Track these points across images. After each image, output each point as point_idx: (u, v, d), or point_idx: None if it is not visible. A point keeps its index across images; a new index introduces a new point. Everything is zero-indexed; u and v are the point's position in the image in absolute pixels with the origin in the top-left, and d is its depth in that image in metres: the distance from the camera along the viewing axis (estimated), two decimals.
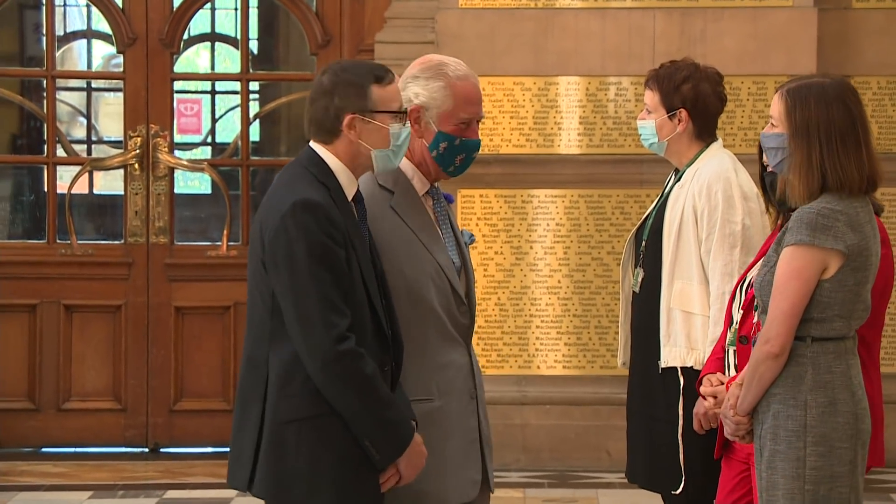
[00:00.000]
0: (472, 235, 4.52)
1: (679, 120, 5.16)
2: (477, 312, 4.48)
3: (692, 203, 5.10)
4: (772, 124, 4.35)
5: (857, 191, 4.27)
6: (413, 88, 4.26)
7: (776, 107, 4.33)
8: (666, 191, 5.27)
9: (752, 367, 4.31)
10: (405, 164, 4.27)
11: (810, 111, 4.26)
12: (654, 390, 5.17)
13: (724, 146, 5.35)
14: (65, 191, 8.99)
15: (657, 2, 8.13)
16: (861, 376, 4.34)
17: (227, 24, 15.32)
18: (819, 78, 4.35)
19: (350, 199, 4.08)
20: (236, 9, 11.44)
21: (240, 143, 9.00)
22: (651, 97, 5.21)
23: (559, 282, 8.15)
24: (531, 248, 8.18)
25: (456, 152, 4.29)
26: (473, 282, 4.40)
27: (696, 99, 5.16)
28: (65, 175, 9.60)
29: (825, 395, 4.26)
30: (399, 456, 4.00)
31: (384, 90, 4.07)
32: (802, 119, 4.27)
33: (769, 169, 4.47)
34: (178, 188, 9.25)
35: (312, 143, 4.12)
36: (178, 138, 11.73)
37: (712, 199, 5.07)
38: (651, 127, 5.19)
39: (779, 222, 4.54)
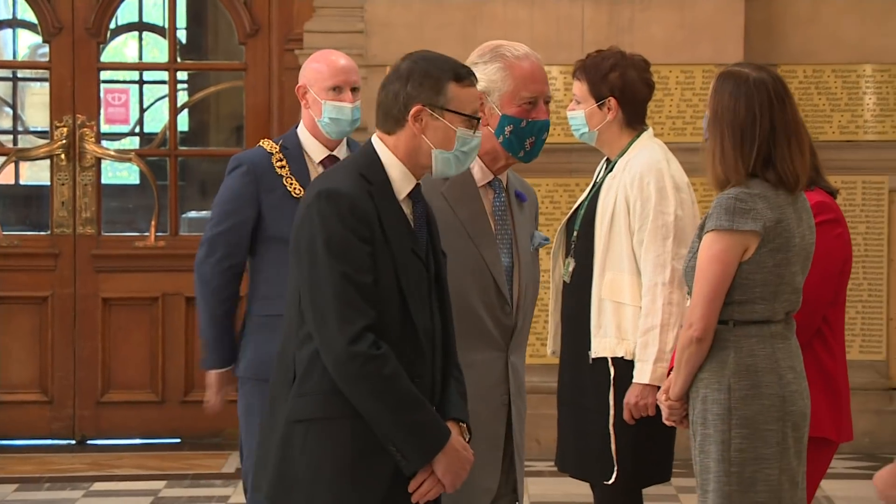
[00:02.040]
0: (546, 238, 4.32)
1: (608, 108, 5.14)
2: None
3: (624, 194, 5.09)
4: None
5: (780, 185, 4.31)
6: None
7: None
8: (597, 180, 5.25)
9: (679, 351, 4.36)
10: None
11: (723, 100, 4.31)
12: (585, 380, 5.15)
13: (653, 135, 5.32)
14: None
15: None
16: (794, 360, 4.37)
17: (154, 13, 15.19)
18: (748, 69, 4.37)
19: (403, 196, 3.80)
20: None
21: (168, 133, 8.90)
22: (579, 87, 5.18)
23: None
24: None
25: (524, 135, 4.10)
26: (532, 285, 4.19)
27: (624, 87, 5.15)
28: None
29: (748, 378, 4.28)
30: (428, 461, 3.70)
31: (462, 90, 3.79)
32: (716, 107, 4.35)
33: None
34: (107, 179, 9.16)
35: (374, 135, 3.86)
36: (105, 128, 11.62)
37: (644, 191, 5.05)
38: (581, 117, 5.16)
39: None
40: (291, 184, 5.03)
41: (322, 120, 5.02)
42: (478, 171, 4.12)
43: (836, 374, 4.76)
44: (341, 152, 5.10)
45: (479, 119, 3.84)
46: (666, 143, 5.35)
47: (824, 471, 4.85)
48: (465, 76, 3.81)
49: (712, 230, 4.28)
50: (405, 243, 3.76)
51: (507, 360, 4.10)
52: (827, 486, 7.25)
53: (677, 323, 4.95)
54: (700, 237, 4.34)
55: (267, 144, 5.11)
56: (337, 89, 5.01)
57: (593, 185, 5.27)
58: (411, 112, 3.77)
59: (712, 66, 7.85)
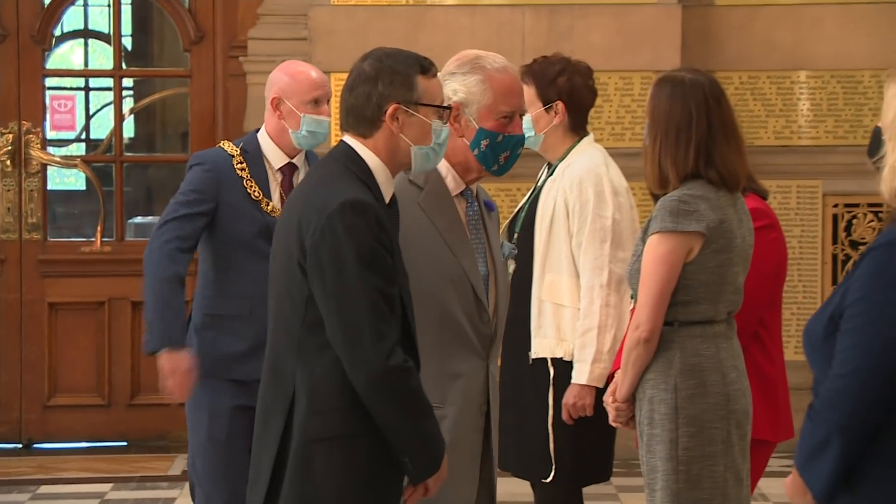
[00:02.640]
0: (514, 249, 4.27)
1: (555, 112, 5.16)
2: None
3: (563, 198, 5.10)
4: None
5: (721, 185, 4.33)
6: (451, 85, 3.98)
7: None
8: (538, 185, 5.26)
9: (626, 353, 4.37)
10: (440, 162, 3.95)
11: (660, 103, 4.36)
12: (525, 381, 5.16)
13: (593, 141, 5.34)
14: None
15: None
16: (737, 359, 4.40)
17: (100, 20, 15.12)
18: (685, 73, 4.43)
19: (388, 200, 3.72)
20: (109, 5, 11.25)
21: (114, 139, 8.85)
22: (527, 91, 5.18)
23: None
24: None
25: (499, 150, 4.00)
26: (507, 293, 4.14)
27: (571, 91, 5.17)
28: None
29: (694, 377, 4.30)
30: (436, 470, 3.66)
31: (429, 82, 3.70)
32: (653, 111, 4.41)
33: None
34: (53, 184, 9.11)
35: (347, 138, 3.72)
36: (51, 135, 11.53)
37: (583, 195, 5.07)
38: (528, 121, 5.16)
39: None
40: (251, 186, 5.00)
41: (299, 132, 4.99)
42: (451, 180, 4.04)
43: (772, 376, 4.79)
44: (300, 160, 5.09)
45: (449, 108, 3.77)
46: (605, 148, 5.37)
47: (762, 470, 4.88)
48: (429, 67, 3.72)
49: (657, 232, 4.29)
50: (398, 251, 3.68)
51: (488, 368, 4.04)
52: (763, 485, 7.26)
53: (615, 324, 4.97)
54: (644, 240, 4.35)
55: (227, 146, 5.09)
56: (316, 102, 5.00)
57: (534, 190, 5.28)
58: (387, 112, 3.66)
59: (650, 73, 7.85)
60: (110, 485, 7.58)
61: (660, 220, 4.29)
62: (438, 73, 3.85)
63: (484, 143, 3.97)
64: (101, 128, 14.56)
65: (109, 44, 11.97)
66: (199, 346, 5.01)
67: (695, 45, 8.16)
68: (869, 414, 2.98)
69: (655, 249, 4.29)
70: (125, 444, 8.39)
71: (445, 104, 3.75)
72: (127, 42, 14.13)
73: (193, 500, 5.16)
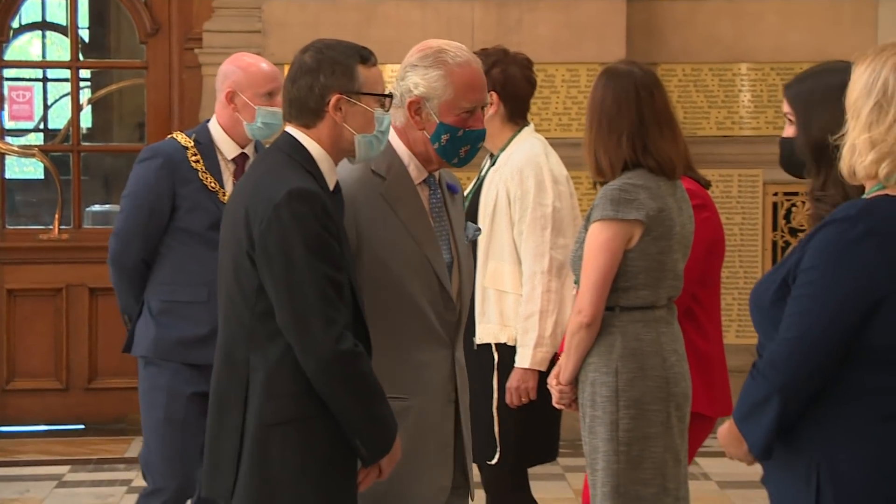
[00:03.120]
0: (479, 229, 4.20)
1: (490, 103, 5.18)
2: None
3: (505, 187, 5.13)
4: None
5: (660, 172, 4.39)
6: (412, 78, 3.87)
7: None
8: (482, 174, 5.29)
9: (569, 337, 4.40)
10: (402, 151, 3.92)
11: (596, 95, 4.45)
12: (471, 365, 5.18)
13: (541, 131, 5.39)
14: None
15: None
16: (677, 343, 4.43)
17: (58, 13, 15.05)
18: (623, 65, 4.49)
19: (331, 189, 3.70)
20: None
21: (71, 129, 8.84)
22: None
23: None
24: None
25: (460, 144, 3.90)
26: (471, 278, 4.07)
27: (505, 82, 5.18)
28: None
29: (635, 361, 4.33)
30: (388, 452, 3.66)
31: (369, 71, 3.68)
32: (590, 102, 4.46)
33: None
34: (12, 173, 9.09)
35: (290, 128, 3.70)
36: (9, 125, 11.48)
37: (524, 183, 5.09)
38: None
39: None
40: (207, 178, 5.01)
41: (254, 124, 5.01)
42: (414, 169, 3.94)
43: (707, 352, 4.81)
44: (251, 150, 5.10)
45: (391, 96, 3.75)
46: (552, 138, 5.41)
47: (699, 444, 4.90)
48: (368, 57, 3.69)
49: (598, 220, 4.32)
50: (345, 238, 3.67)
51: (454, 356, 3.98)
52: (703, 463, 7.36)
53: (556, 309, 5.00)
54: (587, 228, 4.38)
55: (181, 138, 5.09)
56: (270, 94, 5.00)
57: (478, 179, 5.31)
58: (330, 102, 3.65)
59: (596, 65, 7.90)
60: (68, 467, 7.58)
61: (601, 208, 4.33)
62: (404, 63, 3.87)
63: (444, 137, 3.89)
64: (59, 118, 14.52)
65: (67, 36, 11.92)
66: (157, 330, 5.02)
67: (639, 39, 8.22)
68: (810, 378, 3.02)
69: (597, 237, 4.33)
70: (83, 427, 8.38)
71: (387, 92, 3.74)
72: (84, 34, 14.09)
73: (145, 480, 5.16)
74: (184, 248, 5.01)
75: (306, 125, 3.69)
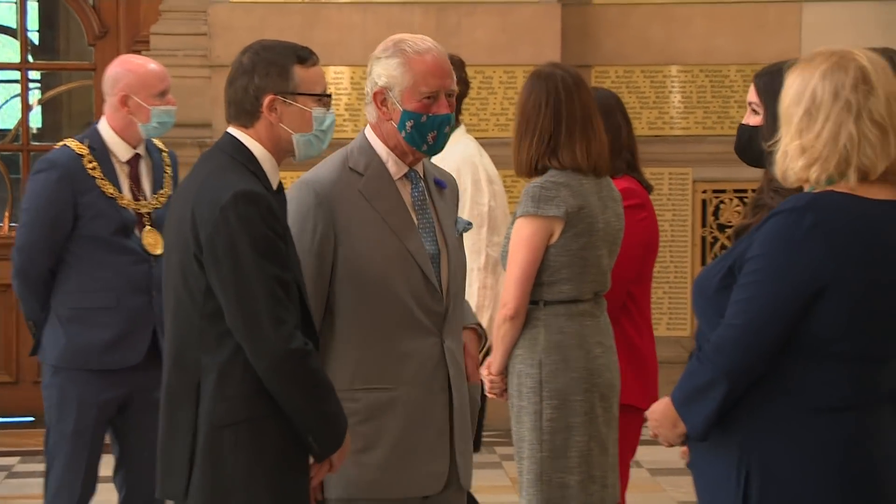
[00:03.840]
0: (469, 223, 4.14)
1: None
2: None
3: None
4: None
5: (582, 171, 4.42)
6: (376, 70, 3.84)
7: None
8: None
9: (496, 330, 4.45)
10: (380, 147, 3.87)
11: (521, 96, 4.51)
12: None
13: (479, 131, 5.43)
14: None
15: None
16: (603, 335, 4.48)
17: (8, 16, 14.97)
18: (548, 67, 4.52)
19: (275, 188, 3.62)
20: (16, 1, 11.16)
21: (21, 129, 8.82)
22: None
23: None
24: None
25: (426, 130, 3.84)
26: (459, 270, 3.98)
27: None
28: None
29: (558, 353, 4.38)
30: (339, 447, 3.61)
31: (307, 71, 3.61)
32: (517, 103, 4.52)
33: None
34: None
35: (232, 129, 3.64)
36: None
37: (461, 183, 5.12)
38: None
39: None
40: (104, 185, 4.90)
41: (149, 125, 4.92)
42: (392, 164, 3.88)
43: (642, 347, 4.88)
44: (142, 149, 5.01)
45: (329, 96, 3.69)
46: (490, 137, 5.46)
47: (637, 436, 4.96)
48: (307, 57, 3.63)
49: (521, 216, 4.38)
50: (290, 238, 3.63)
51: (443, 345, 3.88)
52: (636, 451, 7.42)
53: (492, 304, 5.03)
54: (512, 224, 4.45)
55: (74, 145, 4.95)
56: (162, 94, 4.94)
57: None
58: (265, 103, 3.58)
59: (532, 67, 7.86)
60: (18, 458, 7.57)
61: (523, 205, 4.38)
62: (372, 58, 3.84)
63: (409, 124, 3.82)
64: (9, 118, 14.43)
65: (16, 38, 11.87)
66: (66, 339, 4.91)
67: (573, 42, 8.27)
68: (755, 363, 3.05)
69: (519, 232, 4.37)
70: (32, 419, 8.36)
71: (327, 92, 3.68)
72: (34, 36, 14.01)
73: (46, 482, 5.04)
74: (90, 255, 4.89)
75: (244, 125, 3.63)
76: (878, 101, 3.03)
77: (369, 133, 3.89)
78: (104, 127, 4.99)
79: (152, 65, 5.01)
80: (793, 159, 3.08)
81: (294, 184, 3.85)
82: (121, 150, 4.98)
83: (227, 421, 3.52)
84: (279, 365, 3.47)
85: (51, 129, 14.15)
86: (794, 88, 3.10)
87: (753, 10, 8.40)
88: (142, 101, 4.92)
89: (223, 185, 3.50)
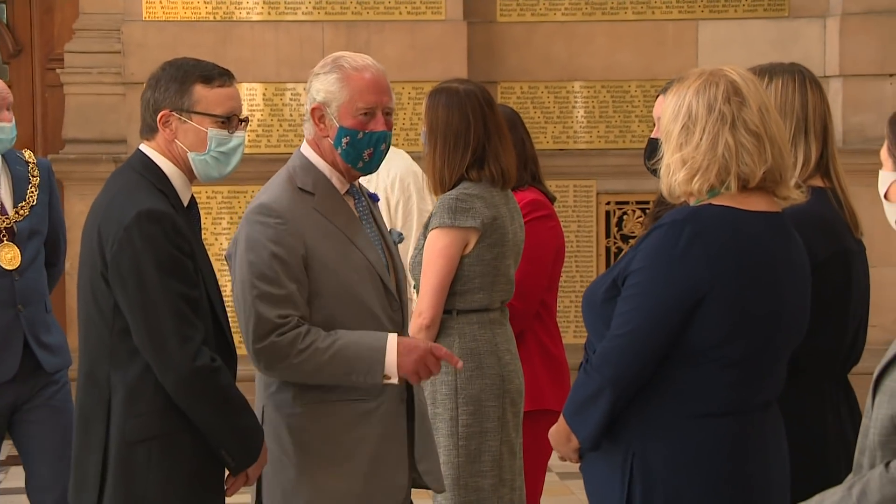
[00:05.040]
0: (402, 234, 4.10)
1: None
2: None
3: (385, 195, 5.17)
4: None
5: (492, 183, 4.43)
6: (314, 86, 3.76)
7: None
8: None
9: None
10: (322, 165, 3.77)
11: (437, 113, 4.43)
12: None
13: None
14: None
15: (325, 16, 8.16)
16: (510, 343, 4.49)
17: None
18: (456, 84, 4.51)
19: (186, 203, 3.58)
20: None
21: None
22: None
23: None
24: (216, 239, 8.10)
25: (362, 147, 3.73)
26: (404, 279, 3.93)
27: None
28: None
29: (472, 360, 4.38)
30: (255, 461, 3.57)
31: (210, 91, 3.53)
32: (431, 120, 4.47)
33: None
34: None
35: (143, 146, 3.60)
36: None
37: (406, 191, 5.16)
38: None
39: None
40: None
41: None
42: (336, 181, 3.79)
43: (555, 352, 4.90)
44: None
45: (241, 119, 3.61)
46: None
47: None
48: (214, 77, 3.55)
49: (436, 227, 4.38)
50: (204, 252, 3.58)
51: None
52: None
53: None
54: (425, 235, 4.44)
55: None
56: None
57: None
58: (158, 118, 3.54)
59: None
60: None
61: (439, 216, 4.38)
62: (312, 75, 3.75)
63: (345, 140, 3.73)
64: None
65: None
66: None
67: (480, 58, 8.30)
68: (639, 372, 3.08)
69: (435, 243, 4.37)
70: None
71: (229, 115, 3.57)
72: None
73: None
74: None
75: (146, 139, 3.59)
76: (750, 111, 3.09)
77: (307, 150, 3.81)
78: None
79: None
80: (675, 172, 3.14)
81: (251, 208, 3.71)
82: None
83: (140, 437, 3.47)
84: (186, 382, 3.42)
85: None
86: (671, 107, 3.16)
87: (652, 27, 8.47)
88: None
89: (128, 203, 3.45)
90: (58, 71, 8.18)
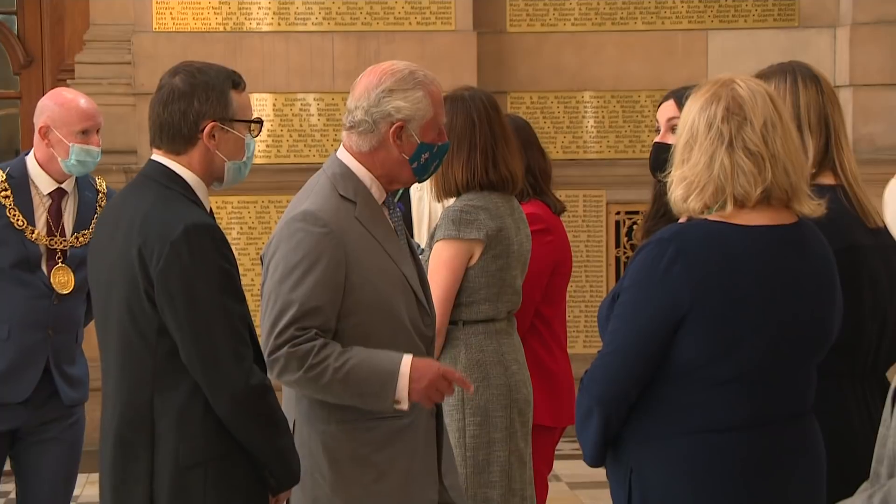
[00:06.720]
0: (420, 245, 4.00)
1: None
2: None
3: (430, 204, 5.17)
4: None
5: (490, 188, 4.39)
6: (393, 103, 3.60)
7: None
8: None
9: None
10: (363, 173, 3.65)
11: (448, 117, 4.38)
12: None
13: None
14: None
15: (336, 26, 8.15)
16: (517, 353, 4.47)
17: None
18: (462, 90, 4.49)
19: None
20: None
21: None
22: None
23: (252, 280, 8.10)
24: None
25: (434, 159, 3.68)
26: (430, 292, 3.83)
27: None
28: None
29: (479, 370, 4.36)
30: (296, 482, 3.47)
31: (241, 97, 3.43)
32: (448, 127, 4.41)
33: None
34: None
35: (158, 156, 3.43)
36: None
37: (427, 200, 5.14)
38: None
39: None
40: (15, 215, 4.67)
41: (68, 161, 4.66)
42: (376, 191, 3.68)
43: (550, 366, 4.86)
44: (69, 185, 4.77)
45: (261, 122, 3.52)
46: None
47: (551, 453, 4.95)
48: (239, 82, 3.46)
49: (441, 239, 4.36)
50: (237, 267, 3.41)
51: None
52: (554, 466, 7.41)
53: None
54: (431, 246, 4.42)
55: None
56: (85, 132, 4.67)
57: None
58: (205, 129, 3.38)
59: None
60: None
61: (444, 228, 4.35)
62: (370, 87, 3.61)
63: (424, 156, 3.65)
64: None
65: None
66: None
67: (490, 68, 8.28)
68: (625, 391, 3.06)
69: (440, 255, 4.35)
70: None
71: (257, 118, 3.50)
72: None
73: None
74: None
75: (177, 152, 3.42)
76: (751, 129, 3.04)
77: (346, 158, 3.68)
78: (31, 157, 4.77)
79: (82, 101, 4.73)
80: (674, 189, 3.11)
81: (293, 215, 3.59)
82: (43, 182, 4.74)
83: (194, 461, 3.33)
84: (240, 402, 3.29)
85: None
86: (682, 118, 3.14)
87: (662, 37, 8.45)
88: (62, 136, 4.67)
89: (170, 218, 3.29)
90: (68, 82, 8.16)
